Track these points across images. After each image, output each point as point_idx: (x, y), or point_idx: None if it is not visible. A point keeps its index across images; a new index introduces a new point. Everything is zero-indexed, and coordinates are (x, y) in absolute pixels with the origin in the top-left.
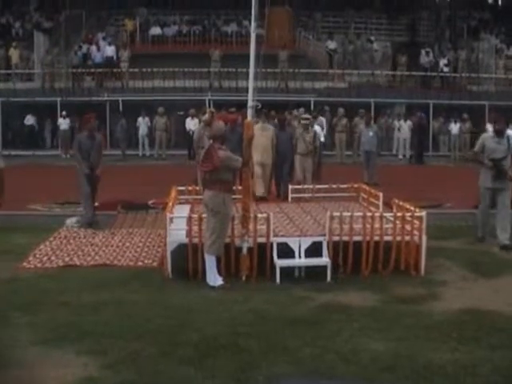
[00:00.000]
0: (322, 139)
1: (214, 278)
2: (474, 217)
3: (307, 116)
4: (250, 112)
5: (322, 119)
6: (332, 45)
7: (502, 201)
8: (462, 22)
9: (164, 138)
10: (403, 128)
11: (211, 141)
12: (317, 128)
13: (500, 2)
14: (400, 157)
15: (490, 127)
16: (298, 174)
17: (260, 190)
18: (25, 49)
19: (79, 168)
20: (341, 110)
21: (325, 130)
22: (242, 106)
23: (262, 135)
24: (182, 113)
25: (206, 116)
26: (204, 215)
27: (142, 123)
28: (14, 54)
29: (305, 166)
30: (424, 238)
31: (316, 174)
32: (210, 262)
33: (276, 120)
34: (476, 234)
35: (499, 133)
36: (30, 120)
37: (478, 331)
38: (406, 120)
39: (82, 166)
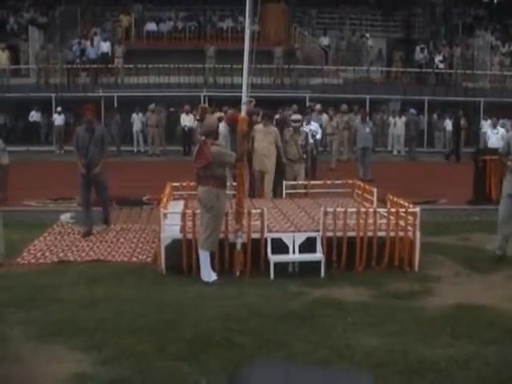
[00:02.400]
0: (319, 136)
1: (208, 274)
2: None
3: (297, 117)
4: (244, 108)
5: (321, 117)
6: (325, 41)
7: None
8: (457, 18)
9: (156, 135)
10: (397, 124)
11: (203, 137)
12: (313, 126)
13: None
14: (395, 153)
15: (485, 123)
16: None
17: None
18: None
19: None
20: (344, 106)
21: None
22: (236, 103)
23: (263, 139)
24: (172, 109)
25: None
26: (198, 211)
27: (136, 119)
28: (3, 56)
29: (296, 173)
30: (418, 233)
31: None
32: (204, 257)
33: (275, 122)
34: (493, 251)
35: None
36: (34, 116)
37: (471, 326)
38: (400, 116)
39: (78, 165)
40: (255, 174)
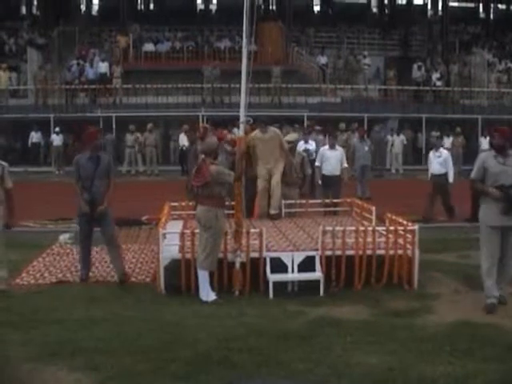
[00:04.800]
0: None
1: (207, 293)
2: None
3: (291, 138)
4: (242, 127)
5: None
6: (323, 60)
7: (510, 247)
8: (454, 36)
9: (154, 154)
10: (396, 142)
11: (203, 156)
12: (310, 145)
13: (492, 17)
14: (393, 171)
15: (483, 141)
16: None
17: (263, 206)
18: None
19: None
20: (342, 125)
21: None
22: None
23: (264, 148)
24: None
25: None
26: (197, 230)
27: (131, 139)
28: (3, 76)
29: (288, 197)
30: (417, 251)
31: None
32: (203, 277)
33: None
34: (485, 300)
35: (501, 149)
36: (34, 137)
37: (470, 344)
38: (398, 134)
39: (79, 201)
40: (259, 181)
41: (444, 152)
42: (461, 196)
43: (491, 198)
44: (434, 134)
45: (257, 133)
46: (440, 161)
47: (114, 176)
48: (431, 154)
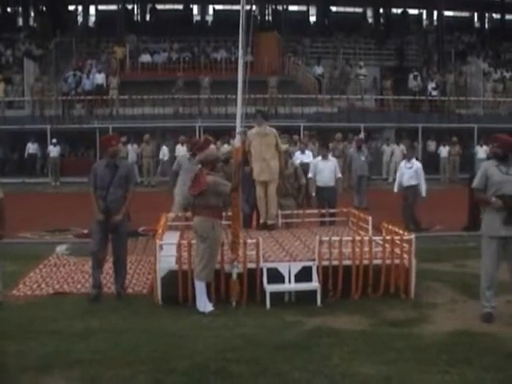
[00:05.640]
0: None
1: (204, 304)
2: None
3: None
4: (238, 138)
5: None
6: (319, 70)
7: None
8: (450, 45)
9: (152, 166)
10: (396, 152)
11: (200, 166)
12: (307, 156)
13: (487, 26)
14: (390, 180)
15: (480, 149)
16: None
17: (262, 214)
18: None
19: (93, 210)
20: (339, 135)
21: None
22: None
23: (261, 143)
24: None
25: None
26: (193, 241)
27: (131, 150)
28: (0, 87)
29: (287, 208)
30: (413, 260)
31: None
32: (200, 288)
33: None
34: (482, 309)
35: (503, 158)
36: (30, 148)
37: (468, 353)
38: (398, 144)
39: (94, 208)
40: (257, 188)
41: (416, 163)
42: (457, 204)
43: (493, 208)
44: (430, 143)
45: (253, 130)
46: (411, 172)
47: (134, 186)
48: (402, 164)
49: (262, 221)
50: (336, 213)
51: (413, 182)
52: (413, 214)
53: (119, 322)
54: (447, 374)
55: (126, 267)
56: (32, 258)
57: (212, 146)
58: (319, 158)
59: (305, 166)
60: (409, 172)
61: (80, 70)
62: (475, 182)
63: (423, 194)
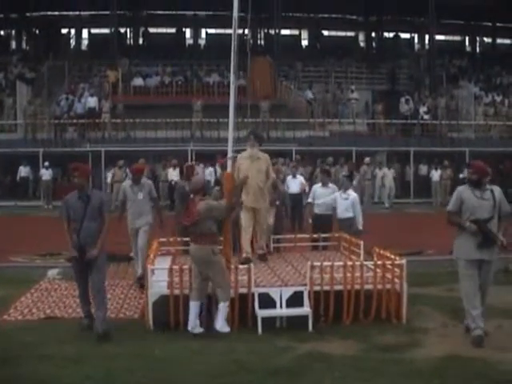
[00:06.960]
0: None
1: (194, 325)
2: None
3: (274, 176)
4: (229, 163)
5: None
6: (311, 94)
7: (486, 277)
8: (441, 69)
9: None
10: (387, 176)
11: (192, 195)
12: (299, 179)
13: (478, 50)
14: (386, 205)
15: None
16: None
17: (245, 247)
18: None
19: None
20: (330, 159)
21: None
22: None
23: (252, 167)
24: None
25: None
26: (185, 266)
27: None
28: None
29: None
30: (405, 285)
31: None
32: (194, 308)
33: None
34: (472, 332)
35: (477, 184)
36: (22, 171)
37: (460, 378)
38: (389, 168)
39: (69, 244)
40: (242, 214)
41: (352, 194)
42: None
43: (467, 232)
44: (422, 166)
45: (244, 153)
46: (347, 204)
47: (109, 214)
48: (337, 195)
49: (244, 255)
50: (328, 237)
51: (349, 215)
52: None
53: (110, 347)
54: None
55: (107, 301)
56: (23, 282)
57: (197, 171)
58: (319, 184)
59: (295, 196)
60: (345, 203)
61: (72, 94)
62: (450, 206)
63: (360, 226)
